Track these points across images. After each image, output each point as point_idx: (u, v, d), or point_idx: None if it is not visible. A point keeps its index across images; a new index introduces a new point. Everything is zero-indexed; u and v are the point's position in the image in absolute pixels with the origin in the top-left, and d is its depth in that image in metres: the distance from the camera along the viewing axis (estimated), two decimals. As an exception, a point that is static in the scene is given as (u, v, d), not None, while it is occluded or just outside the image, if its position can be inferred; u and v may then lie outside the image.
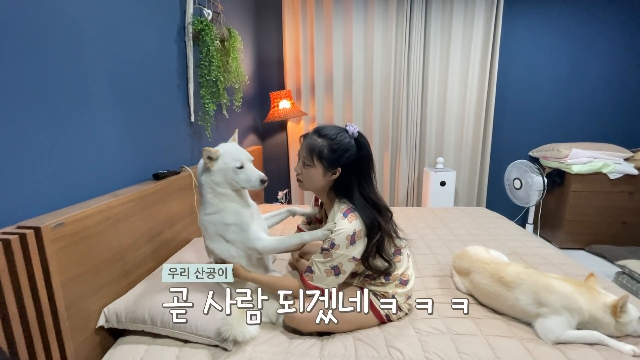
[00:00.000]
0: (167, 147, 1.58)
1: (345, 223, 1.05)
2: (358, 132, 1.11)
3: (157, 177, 1.39)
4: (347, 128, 1.10)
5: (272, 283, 1.14)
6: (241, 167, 1.08)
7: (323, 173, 1.09)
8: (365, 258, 1.08)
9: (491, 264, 1.27)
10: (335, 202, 1.12)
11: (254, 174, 1.09)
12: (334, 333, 1.12)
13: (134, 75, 1.34)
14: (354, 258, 1.06)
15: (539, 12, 2.99)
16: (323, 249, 1.06)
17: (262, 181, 1.10)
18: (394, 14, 2.90)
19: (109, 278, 1.07)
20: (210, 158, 1.07)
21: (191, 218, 1.64)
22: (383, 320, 1.15)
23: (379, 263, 1.11)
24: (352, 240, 1.04)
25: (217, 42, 1.83)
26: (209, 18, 1.85)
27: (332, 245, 1.04)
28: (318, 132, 1.10)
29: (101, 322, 1.03)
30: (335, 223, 1.07)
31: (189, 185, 1.60)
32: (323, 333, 1.13)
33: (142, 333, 1.06)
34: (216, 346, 1.02)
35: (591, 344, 1.03)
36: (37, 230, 0.81)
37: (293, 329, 1.13)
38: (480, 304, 1.27)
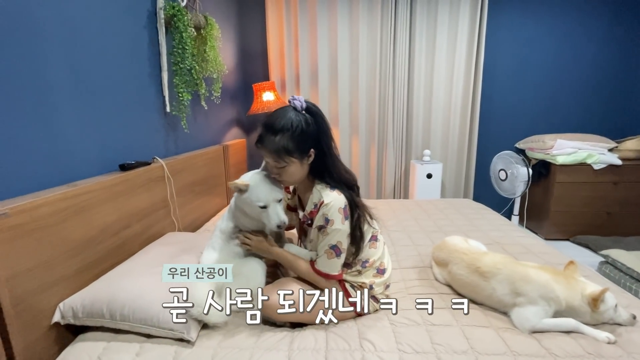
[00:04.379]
0: (137, 137, 1.52)
1: (335, 195, 1.02)
2: (306, 101, 1.03)
3: (123, 167, 1.33)
4: (294, 104, 1.02)
5: (290, 262, 1.11)
6: (264, 207, 1.07)
7: (300, 164, 1.04)
8: (354, 237, 1.06)
9: (468, 254, 1.24)
10: (316, 182, 1.07)
11: (274, 218, 1.07)
12: (308, 325, 1.09)
13: (98, 62, 1.27)
14: (350, 234, 1.04)
15: (524, 4, 2.97)
16: (320, 227, 1.03)
17: (279, 226, 1.08)
18: (379, 4, 2.84)
19: (65, 272, 1.01)
20: (240, 191, 1.08)
21: (164, 211, 1.58)
22: (359, 313, 1.12)
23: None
24: (346, 214, 1.02)
25: (192, 28, 1.76)
26: (183, 4, 1.78)
27: (327, 220, 1.00)
28: (271, 130, 1.00)
29: (56, 318, 0.97)
30: (316, 203, 1.03)
31: (160, 177, 1.54)
32: (296, 325, 1.10)
33: (104, 329, 1.01)
34: (180, 340, 0.98)
35: (567, 332, 1.01)
36: (-25, 221, 0.75)
37: (266, 319, 1.10)
38: (458, 294, 1.24)
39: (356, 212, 1.05)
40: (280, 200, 1.10)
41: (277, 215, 1.07)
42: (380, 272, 1.14)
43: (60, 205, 0.98)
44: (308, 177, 1.10)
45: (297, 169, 1.04)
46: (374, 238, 1.14)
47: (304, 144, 1.01)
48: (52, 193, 0.97)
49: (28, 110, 0.99)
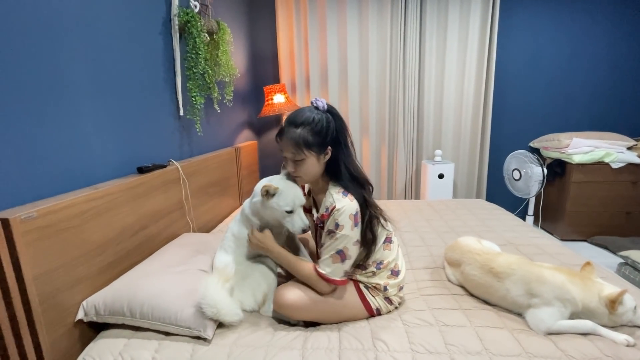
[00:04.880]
0: (153, 140, 1.56)
1: (347, 201, 1.02)
2: (327, 103, 1.07)
3: (141, 170, 1.37)
4: (316, 104, 1.06)
5: (291, 263, 1.11)
6: (291, 212, 1.08)
7: (317, 159, 1.06)
8: (363, 239, 1.06)
9: (482, 254, 1.23)
10: (330, 185, 1.09)
11: (299, 222, 1.10)
12: (322, 324, 1.11)
13: (116, 68, 1.32)
14: (358, 242, 1.04)
15: (536, 0, 2.92)
16: (329, 231, 1.04)
17: (304, 230, 1.11)
18: (388, 5, 2.84)
19: (88, 272, 1.05)
20: (268, 193, 1.08)
21: (179, 212, 1.62)
22: (373, 314, 1.13)
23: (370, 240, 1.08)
24: (356, 221, 1.02)
25: (205, 34, 1.80)
26: (196, 10, 1.82)
27: (337, 225, 1.01)
28: (293, 123, 1.04)
29: (80, 315, 1.01)
30: (327, 207, 1.05)
31: (176, 179, 1.58)
32: (310, 324, 1.11)
33: (124, 326, 1.05)
34: (197, 338, 1.01)
35: (584, 334, 1.00)
36: (6, 222, 0.79)
37: (281, 318, 1.12)
38: (472, 295, 1.24)
39: (367, 215, 1.06)
40: (303, 204, 1.12)
41: (302, 219, 1.10)
42: (395, 273, 1.15)
43: (84, 207, 1.02)
44: (323, 178, 1.12)
45: (313, 165, 1.06)
46: (389, 240, 1.15)
47: (323, 139, 1.04)
48: (76, 195, 1.01)
49: (53, 117, 1.03)
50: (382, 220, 1.11)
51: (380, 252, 1.12)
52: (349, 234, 1.01)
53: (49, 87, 1.02)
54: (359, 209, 1.03)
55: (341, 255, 1.03)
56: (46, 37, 1.01)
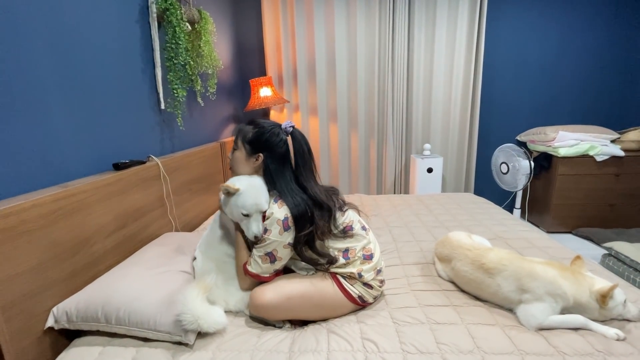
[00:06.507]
0: (132, 135, 1.48)
1: (276, 208, 1.04)
2: (292, 127, 1.14)
3: (117, 167, 1.29)
4: (282, 124, 1.14)
5: (239, 251, 1.13)
6: (247, 216, 1.06)
7: (246, 157, 1.12)
8: (294, 246, 1.06)
9: (472, 250, 1.21)
10: (269, 193, 1.11)
11: (253, 228, 1.05)
12: (307, 323, 1.07)
13: (89, 58, 1.23)
14: (289, 244, 1.05)
15: (525, -8, 2.92)
16: (261, 235, 1.06)
17: (255, 237, 1.06)
18: (377, -5, 2.79)
19: (58, 276, 0.98)
20: (228, 193, 1.07)
21: (161, 210, 1.55)
22: (357, 302, 1.09)
23: (313, 255, 1.08)
24: (286, 226, 1.03)
25: (185, 23, 1.72)
26: (176, -3, 1.73)
27: (265, 230, 1.05)
28: (251, 121, 1.15)
29: (50, 322, 0.94)
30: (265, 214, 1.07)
31: (156, 176, 1.51)
32: (296, 325, 1.07)
33: (99, 333, 0.99)
34: (178, 343, 0.95)
35: (575, 329, 0.99)
36: (-41, 225, 0.72)
37: (262, 319, 1.08)
38: (462, 291, 1.22)
39: (307, 230, 1.04)
40: (263, 212, 1.07)
41: (257, 226, 1.06)
42: (367, 257, 1.12)
43: (51, 207, 0.95)
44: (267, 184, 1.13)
45: (240, 158, 1.13)
46: (349, 228, 1.12)
47: (258, 143, 1.10)
48: (42, 194, 0.94)
49: (16, 109, 0.95)
50: (333, 232, 1.10)
51: (340, 243, 1.11)
52: (278, 239, 1.03)
53: (11, 78, 0.93)
54: (289, 215, 1.03)
55: (270, 256, 1.05)
56: (7, 24, 0.92)
